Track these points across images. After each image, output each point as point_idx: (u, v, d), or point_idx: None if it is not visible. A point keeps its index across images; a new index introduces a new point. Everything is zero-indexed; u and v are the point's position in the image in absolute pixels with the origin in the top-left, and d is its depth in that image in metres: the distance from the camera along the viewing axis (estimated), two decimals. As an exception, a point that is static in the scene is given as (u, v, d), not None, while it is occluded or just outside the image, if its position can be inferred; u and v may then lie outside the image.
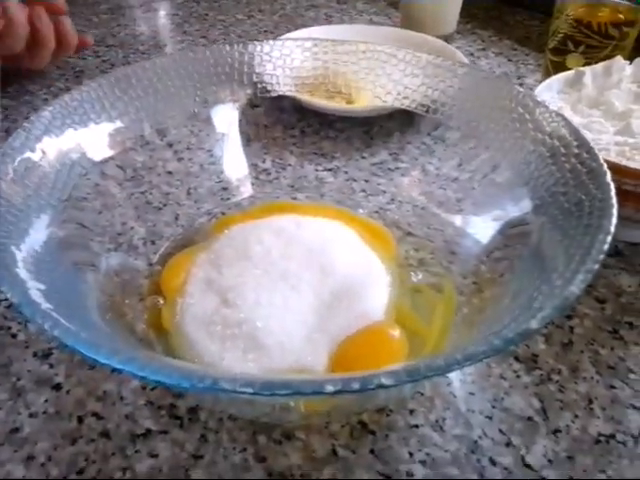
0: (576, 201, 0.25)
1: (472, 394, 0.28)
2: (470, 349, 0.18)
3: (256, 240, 0.32)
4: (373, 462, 0.25)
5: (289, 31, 0.67)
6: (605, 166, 0.26)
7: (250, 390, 0.17)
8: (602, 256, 0.21)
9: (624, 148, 0.34)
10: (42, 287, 0.22)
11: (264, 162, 0.40)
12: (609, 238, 0.22)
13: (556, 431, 0.27)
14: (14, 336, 0.31)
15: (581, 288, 0.20)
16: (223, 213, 0.37)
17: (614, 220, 0.23)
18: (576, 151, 0.27)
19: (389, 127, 0.42)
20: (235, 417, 0.27)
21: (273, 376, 0.25)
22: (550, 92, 0.40)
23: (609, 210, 0.23)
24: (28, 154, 0.28)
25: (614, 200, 0.24)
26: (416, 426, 0.27)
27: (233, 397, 0.23)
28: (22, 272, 0.22)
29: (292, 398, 0.21)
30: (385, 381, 0.17)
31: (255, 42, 0.38)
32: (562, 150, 0.28)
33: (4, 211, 0.25)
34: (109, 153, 0.33)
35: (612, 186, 0.24)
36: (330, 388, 0.17)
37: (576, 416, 0.27)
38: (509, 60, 0.61)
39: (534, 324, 0.19)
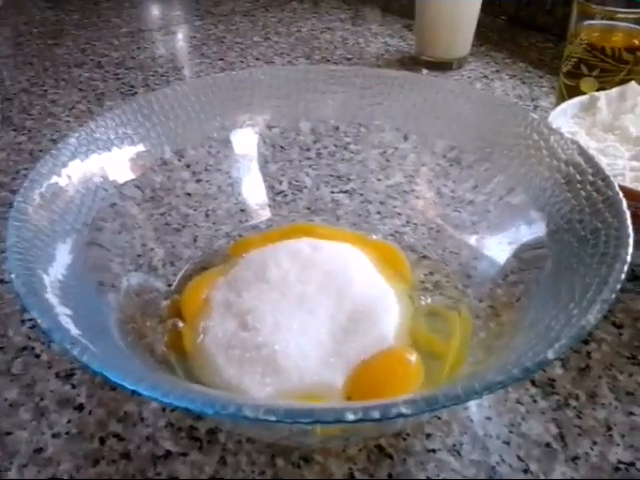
0: (592, 229, 0.26)
1: (489, 419, 0.28)
2: (488, 379, 0.19)
3: (273, 263, 0.32)
4: (391, 487, 0.25)
5: (305, 54, 0.69)
6: (621, 194, 0.26)
7: (273, 418, 0.17)
8: (619, 285, 0.22)
9: (639, 173, 0.34)
10: (69, 312, 0.23)
11: (280, 184, 0.41)
12: (626, 267, 0.22)
13: (575, 458, 0.26)
14: (37, 356, 0.32)
15: (598, 318, 0.21)
16: (241, 235, 0.38)
17: (630, 249, 0.23)
18: (591, 179, 0.28)
19: (404, 149, 0.42)
20: (254, 439, 0.27)
21: (294, 403, 0.25)
22: (565, 117, 0.40)
23: (625, 239, 0.23)
24: (55, 179, 0.28)
25: (630, 229, 0.24)
26: (433, 450, 0.27)
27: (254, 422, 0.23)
28: (50, 297, 0.23)
29: (313, 425, 0.21)
30: (404, 410, 0.18)
31: (273, 66, 0.38)
32: (577, 177, 0.28)
33: (32, 236, 0.25)
34: (130, 176, 0.34)
35: (628, 214, 0.25)
36: (351, 416, 0.17)
37: (595, 443, 0.27)
38: (523, 82, 0.61)
39: (551, 354, 0.19)
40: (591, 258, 0.24)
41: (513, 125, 0.33)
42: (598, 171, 0.27)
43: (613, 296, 0.21)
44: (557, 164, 0.30)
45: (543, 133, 0.31)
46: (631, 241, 0.23)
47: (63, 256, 0.26)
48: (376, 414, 0.17)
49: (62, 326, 0.21)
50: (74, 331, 0.21)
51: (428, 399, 0.18)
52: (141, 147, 0.34)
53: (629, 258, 0.22)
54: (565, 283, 0.25)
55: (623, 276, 0.22)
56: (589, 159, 0.28)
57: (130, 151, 0.33)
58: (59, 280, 0.24)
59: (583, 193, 0.28)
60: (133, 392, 0.29)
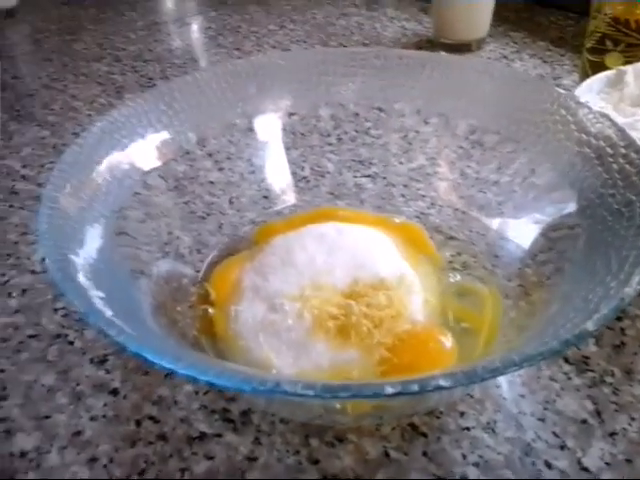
0: (626, 202, 0.25)
1: (522, 396, 0.28)
2: (527, 351, 0.19)
3: (299, 247, 0.32)
4: (426, 464, 0.25)
5: (321, 40, 0.68)
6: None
7: (311, 392, 0.17)
8: (658, 256, 0.21)
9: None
10: (102, 295, 0.23)
11: (303, 170, 0.41)
12: (664, 237, 0.22)
13: (612, 434, 0.26)
14: (71, 343, 0.32)
15: (637, 289, 0.20)
16: (265, 221, 0.38)
17: (668, 220, 0.22)
18: (623, 151, 0.27)
19: (425, 133, 0.42)
20: (287, 420, 0.27)
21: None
22: (591, 93, 0.39)
23: (662, 210, 0.23)
24: (82, 168, 0.29)
25: (667, 199, 0.23)
26: (467, 428, 0.27)
27: (287, 400, 0.24)
28: (83, 281, 0.23)
29: (352, 400, 0.21)
30: (443, 383, 0.18)
31: (291, 51, 0.38)
32: (609, 151, 0.28)
33: (63, 223, 0.26)
34: (156, 164, 0.34)
35: (663, 185, 0.24)
36: (390, 390, 0.17)
37: (632, 419, 0.27)
38: (544, 62, 0.60)
39: (590, 325, 0.19)
40: (626, 231, 0.24)
41: (539, 101, 0.32)
42: (630, 143, 0.27)
43: (652, 267, 0.21)
44: (587, 138, 0.29)
45: (570, 107, 0.31)
46: (668, 211, 0.23)
47: (93, 242, 0.27)
48: (415, 387, 0.17)
49: (97, 308, 0.21)
50: (108, 313, 0.21)
51: (467, 371, 0.18)
52: (165, 134, 0.34)
53: (666, 229, 0.22)
54: (600, 257, 0.24)
55: (661, 247, 0.22)
56: (620, 131, 0.28)
57: (154, 139, 0.33)
58: (90, 265, 0.25)
59: (615, 166, 0.27)
60: (167, 374, 0.30)
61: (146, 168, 0.33)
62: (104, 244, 0.28)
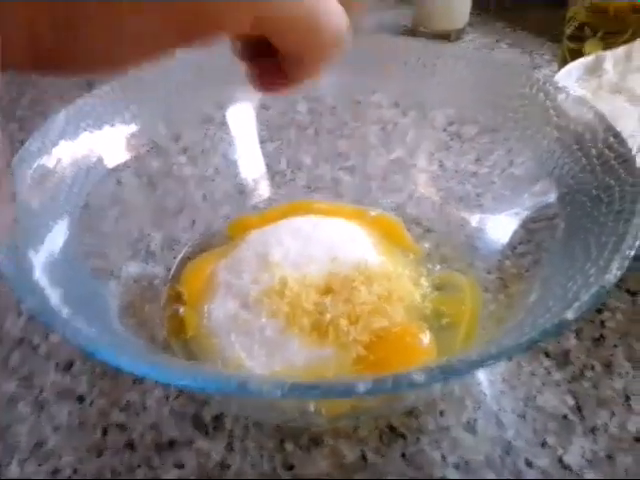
0: (605, 187, 0.25)
1: (503, 393, 0.27)
2: (505, 342, 0.18)
3: (274, 242, 0.31)
4: (405, 467, 0.24)
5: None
6: (634, 150, 0.25)
7: (279, 392, 0.16)
8: (638, 242, 0.20)
9: (650, 133, 0.33)
10: (61, 292, 0.21)
11: (279, 163, 0.39)
12: (644, 223, 0.21)
13: (593, 429, 0.25)
14: (35, 348, 0.31)
15: (617, 276, 0.19)
16: (240, 216, 0.36)
17: (648, 205, 0.22)
18: (602, 136, 0.26)
19: (404, 125, 0.41)
20: (261, 424, 0.26)
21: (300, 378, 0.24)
22: (569, 79, 0.39)
23: (642, 194, 0.22)
24: (44, 159, 0.27)
25: (647, 184, 0.23)
26: (447, 428, 0.26)
27: (258, 402, 0.23)
28: (41, 278, 0.22)
29: (322, 399, 0.20)
30: (417, 379, 0.17)
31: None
32: (587, 136, 0.27)
33: (21, 217, 0.24)
34: (124, 157, 0.32)
35: (643, 170, 0.23)
36: (362, 388, 0.16)
37: (613, 413, 0.26)
38: (524, 51, 0.60)
39: (570, 314, 0.18)
40: (605, 217, 0.23)
41: (517, 86, 0.32)
42: (609, 127, 0.26)
43: (632, 253, 0.20)
44: (566, 124, 0.28)
45: (549, 92, 0.30)
46: (648, 196, 0.22)
47: (55, 239, 0.25)
48: (388, 384, 0.16)
49: (52, 308, 0.20)
50: (66, 311, 0.20)
51: (443, 367, 0.17)
52: (133, 126, 0.33)
53: (647, 213, 0.21)
54: (579, 244, 0.23)
55: (641, 233, 0.21)
56: (599, 116, 0.27)
57: (122, 130, 0.32)
58: (51, 262, 0.23)
59: (594, 151, 0.26)
60: (136, 380, 0.28)
61: (115, 161, 0.32)
62: (68, 241, 0.26)
